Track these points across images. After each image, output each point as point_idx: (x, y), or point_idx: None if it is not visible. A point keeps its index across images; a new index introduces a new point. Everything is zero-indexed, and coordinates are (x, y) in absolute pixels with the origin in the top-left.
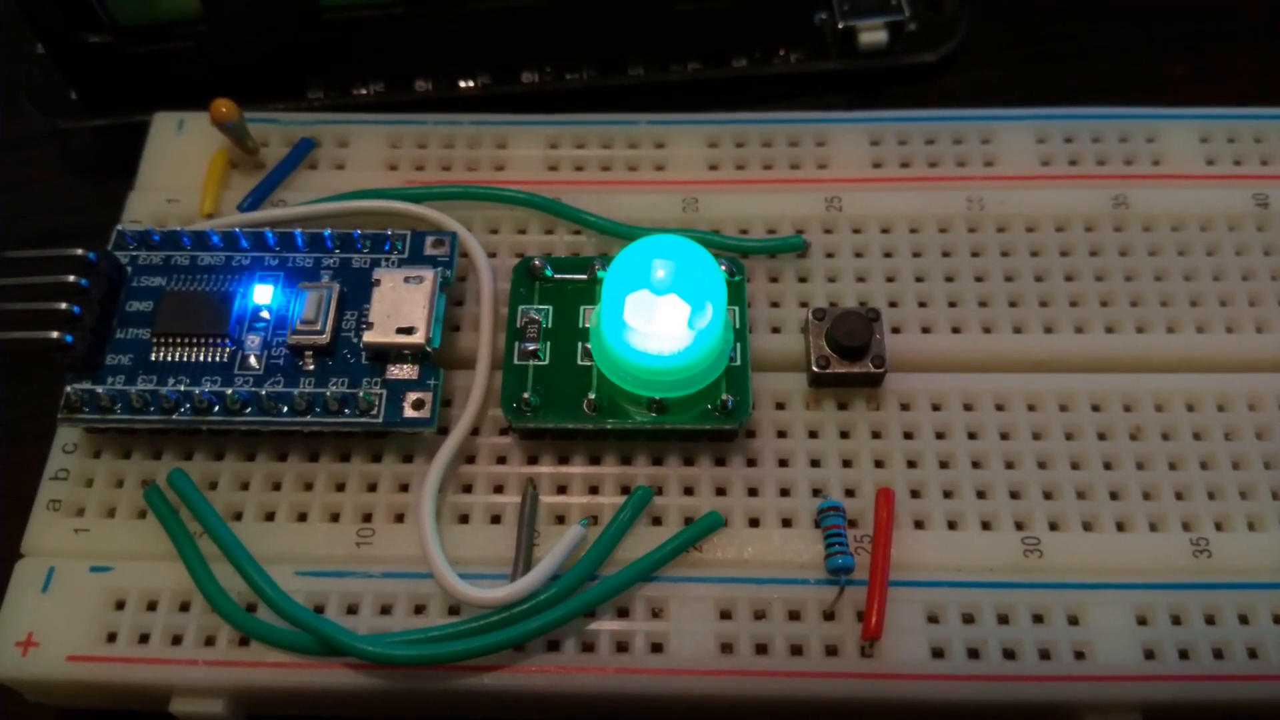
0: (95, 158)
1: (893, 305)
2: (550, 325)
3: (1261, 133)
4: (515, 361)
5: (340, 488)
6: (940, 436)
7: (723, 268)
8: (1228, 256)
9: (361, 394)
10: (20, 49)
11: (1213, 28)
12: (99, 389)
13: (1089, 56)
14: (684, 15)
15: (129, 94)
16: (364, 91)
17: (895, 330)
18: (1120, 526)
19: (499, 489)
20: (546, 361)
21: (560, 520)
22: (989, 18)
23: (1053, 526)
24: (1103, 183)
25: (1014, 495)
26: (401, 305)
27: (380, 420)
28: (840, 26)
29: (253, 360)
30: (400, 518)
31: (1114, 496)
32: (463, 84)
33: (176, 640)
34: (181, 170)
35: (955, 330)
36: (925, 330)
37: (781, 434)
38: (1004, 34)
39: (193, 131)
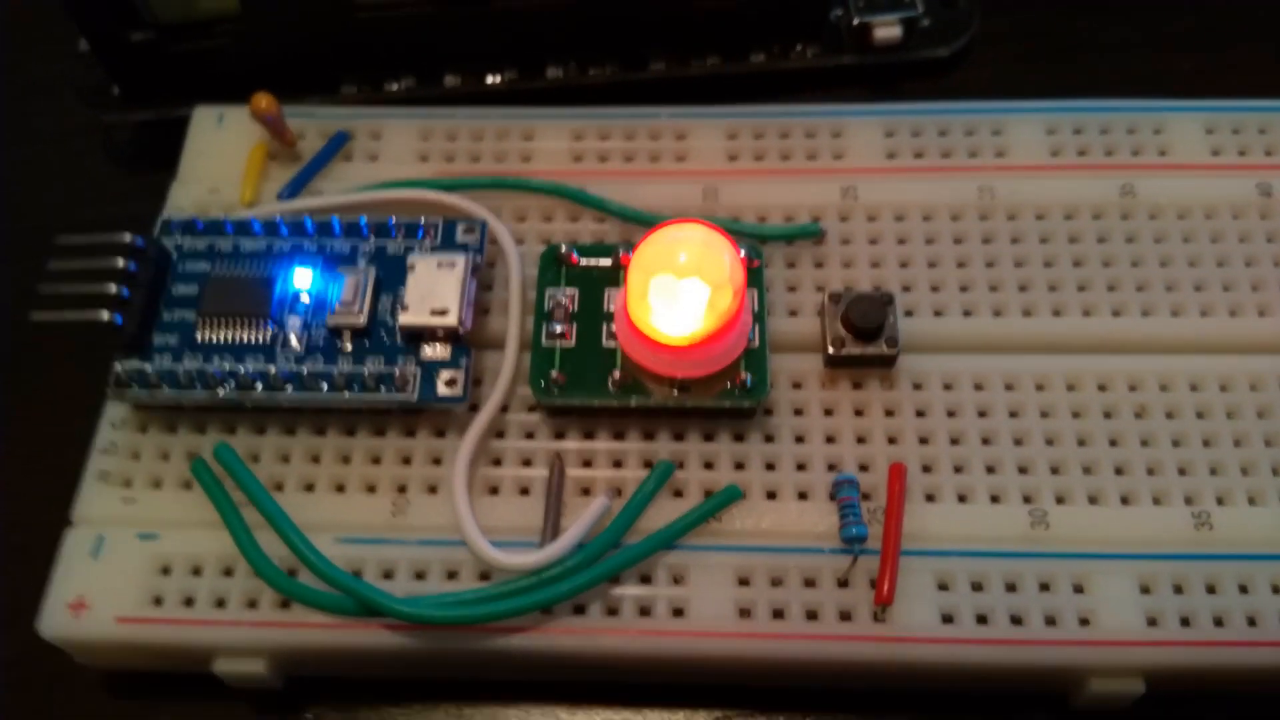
0: (136, 150)
1: (906, 290)
2: (576, 308)
3: (1266, 124)
4: (543, 342)
5: (376, 461)
6: (951, 415)
7: (742, 254)
8: (1231, 244)
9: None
10: (65, 47)
11: (1219, 23)
12: (147, 367)
13: (1098, 51)
14: (704, 12)
15: (169, 89)
16: (395, 86)
17: (908, 314)
18: (1125, 500)
19: (527, 463)
20: (573, 342)
21: (586, 492)
22: (1001, 13)
23: (1059, 500)
24: (1110, 172)
25: (1022, 470)
26: (435, 288)
27: (415, 397)
28: (855, 22)
29: (294, 340)
30: (434, 489)
31: (1119, 472)
32: (490, 79)
33: (220, 603)
34: (222, 162)
35: (967, 313)
36: (937, 314)
37: (798, 412)
38: (1015, 29)
39: (232, 125)
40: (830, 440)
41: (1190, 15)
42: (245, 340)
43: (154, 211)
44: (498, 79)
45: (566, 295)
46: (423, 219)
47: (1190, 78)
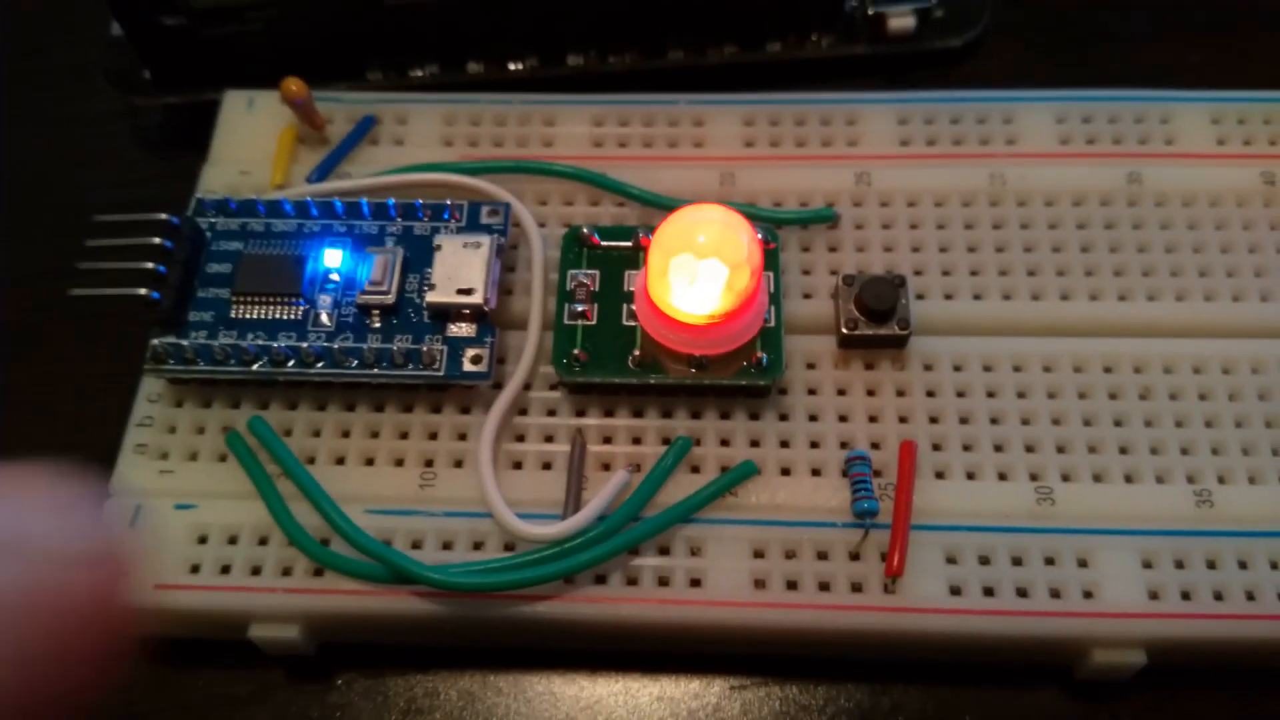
0: (165, 134)
1: (918, 273)
2: (597, 288)
3: (1271, 115)
4: (565, 321)
5: (404, 435)
6: (961, 395)
7: (759, 236)
8: (1235, 231)
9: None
10: (97, 32)
11: (1227, 17)
12: (184, 342)
13: (1108, 43)
14: (722, 1)
15: (199, 74)
16: (420, 73)
17: (920, 297)
18: (1128, 478)
19: (549, 439)
20: (594, 321)
21: (606, 467)
22: (1013, 5)
23: (1065, 477)
24: (1118, 160)
25: (1029, 449)
26: (461, 269)
27: (441, 374)
28: (870, 12)
29: (324, 318)
30: (459, 463)
31: (1123, 451)
32: (512, 66)
33: (256, 571)
34: (252, 144)
35: (977, 297)
36: (948, 297)
37: (812, 391)
38: (1027, 20)
39: (262, 109)
40: (843, 419)
41: (1200, 9)
42: (278, 317)
43: (183, 193)
44: (520, 66)
45: (588, 276)
46: (448, 201)
47: (1199, 69)
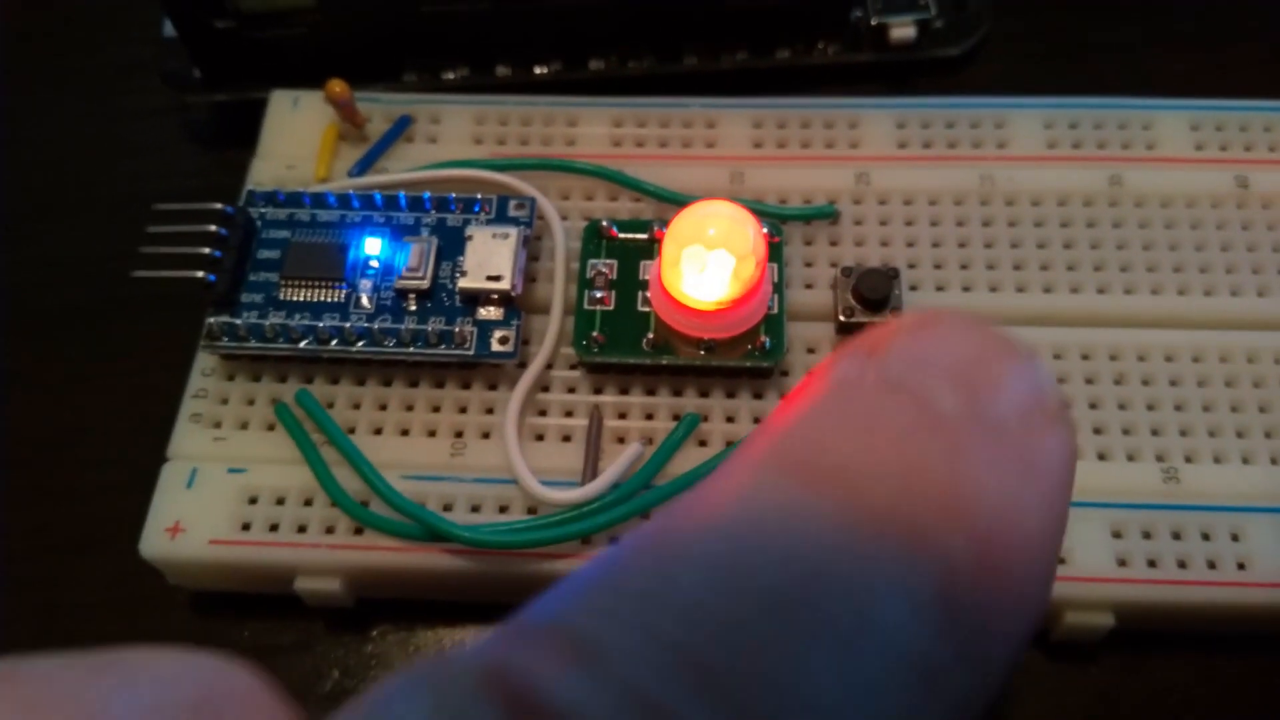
0: (212, 130)
1: (911, 266)
2: (615, 276)
3: (1246, 122)
4: (585, 307)
5: (436, 409)
6: None
7: (764, 230)
8: (1209, 230)
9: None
10: (150, 32)
11: (1210, 30)
12: (237, 321)
13: (1099, 53)
14: (734, 11)
15: (246, 74)
16: (451, 75)
17: (913, 288)
18: (1101, 456)
19: (569, 414)
20: (612, 307)
21: (620, 440)
22: (1009, 16)
23: None
24: (1101, 164)
25: None
26: (490, 257)
27: (471, 353)
28: (873, 23)
29: (365, 301)
30: (487, 435)
31: (1097, 431)
32: (538, 70)
33: (301, 529)
34: (297, 141)
35: (965, 289)
36: (939, 288)
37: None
38: (1022, 31)
39: (306, 108)
40: None
41: (1185, 21)
42: (322, 300)
43: (228, 184)
44: (545, 70)
45: (606, 265)
46: (479, 195)
47: (1183, 80)
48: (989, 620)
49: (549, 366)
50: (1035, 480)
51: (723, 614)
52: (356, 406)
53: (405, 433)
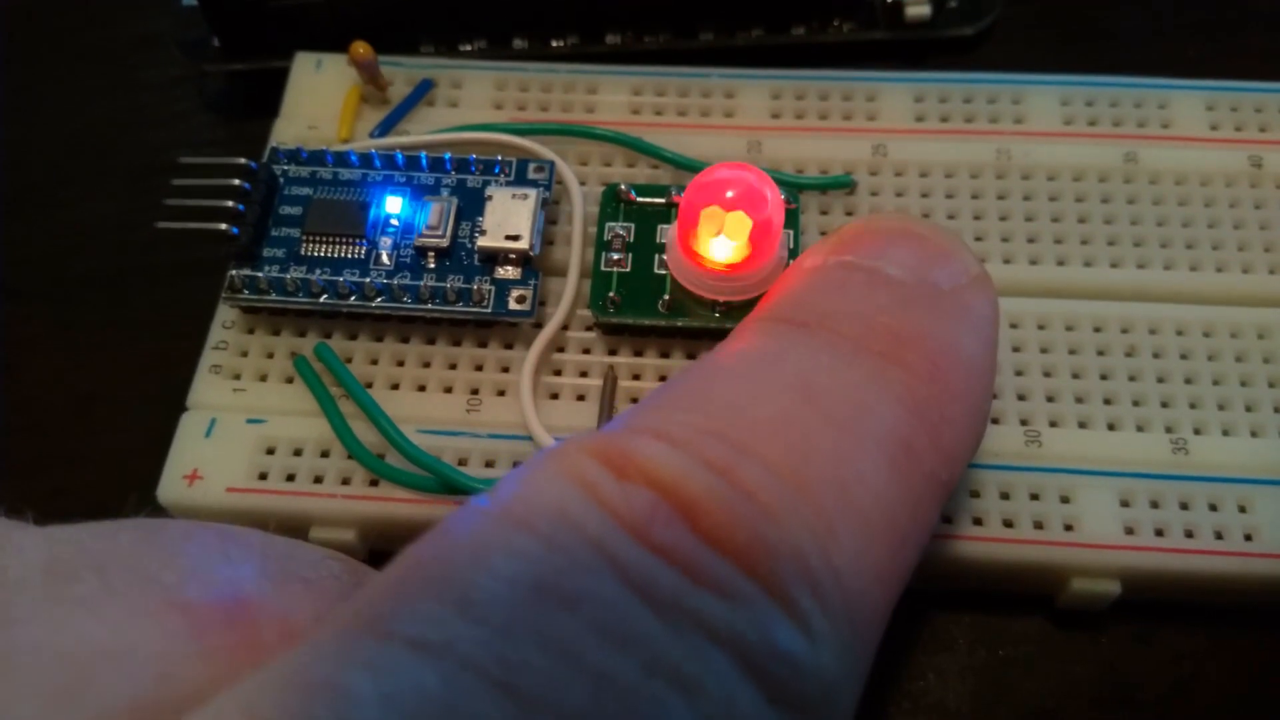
0: (230, 99)
1: None
2: (632, 239)
3: (1261, 104)
4: (602, 268)
5: (453, 366)
6: None
7: (782, 196)
8: (1222, 208)
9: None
10: (164, 5)
11: (1224, 15)
12: (258, 275)
13: (1113, 37)
14: None
15: (264, 43)
16: (469, 48)
17: None
18: (1111, 426)
19: (584, 374)
20: (629, 269)
21: (634, 400)
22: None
23: (1052, 423)
24: (1117, 141)
25: (1020, 397)
26: (509, 217)
27: (489, 311)
28: (889, 1)
29: (384, 258)
30: (502, 393)
31: (1107, 402)
32: (554, 43)
33: (318, 479)
34: (319, 102)
35: (980, 260)
36: None
37: None
38: (1036, 13)
39: (329, 70)
40: None
41: (1199, 8)
42: (343, 255)
43: (250, 153)
44: (561, 43)
45: (624, 229)
46: (499, 158)
47: (1196, 62)
48: (944, 418)
49: (565, 327)
50: (967, 322)
51: (759, 411)
52: (374, 362)
53: (422, 388)
